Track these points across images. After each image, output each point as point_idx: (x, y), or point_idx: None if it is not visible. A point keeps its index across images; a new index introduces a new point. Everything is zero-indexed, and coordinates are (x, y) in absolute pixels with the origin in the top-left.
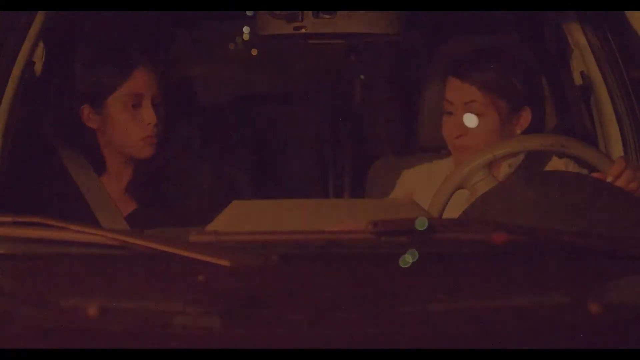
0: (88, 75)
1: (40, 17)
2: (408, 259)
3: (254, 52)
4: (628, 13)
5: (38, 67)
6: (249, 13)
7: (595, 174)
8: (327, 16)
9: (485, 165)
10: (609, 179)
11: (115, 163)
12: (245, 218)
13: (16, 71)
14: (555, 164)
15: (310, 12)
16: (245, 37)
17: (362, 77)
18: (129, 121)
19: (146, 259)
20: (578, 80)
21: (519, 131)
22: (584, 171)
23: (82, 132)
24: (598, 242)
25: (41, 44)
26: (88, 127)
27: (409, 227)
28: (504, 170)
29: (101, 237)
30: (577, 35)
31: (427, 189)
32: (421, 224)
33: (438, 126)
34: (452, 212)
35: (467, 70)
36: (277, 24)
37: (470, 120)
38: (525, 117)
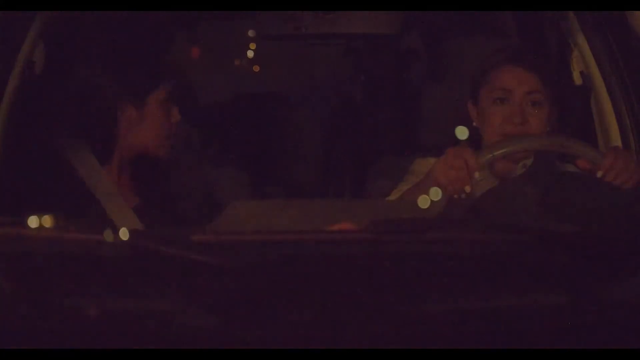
0: (131, 73)
1: (40, 17)
2: None
3: (256, 68)
4: (628, 13)
5: (38, 67)
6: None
7: (580, 162)
8: (327, 16)
9: (486, 164)
10: (600, 173)
11: (121, 160)
12: (245, 218)
13: (16, 71)
14: (563, 164)
15: (310, 12)
16: (250, 55)
17: (362, 77)
18: (161, 119)
19: (146, 259)
20: (578, 80)
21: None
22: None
23: (102, 128)
24: (598, 241)
25: (41, 44)
26: (112, 122)
27: (409, 227)
28: (519, 171)
29: (101, 237)
30: (577, 35)
31: None
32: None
33: (438, 126)
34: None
35: (531, 59)
36: (277, 24)
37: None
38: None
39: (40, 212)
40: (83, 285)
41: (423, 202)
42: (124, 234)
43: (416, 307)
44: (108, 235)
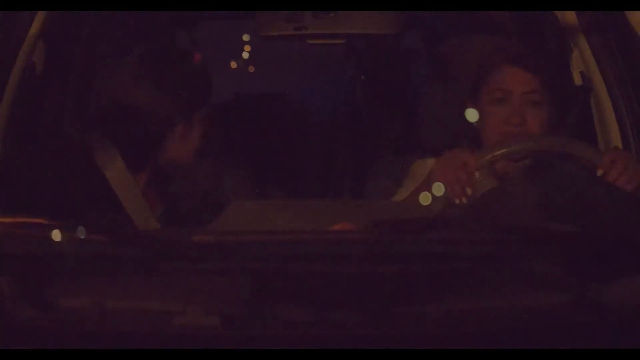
0: (184, 89)
1: (40, 17)
2: None
3: (251, 69)
4: (628, 13)
5: (38, 67)
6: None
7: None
8: (327, 16)
9: (485, 165)
10: (599, 172)
11: (154, 170)
12: (246, 218)
13: (16, 71)
14: (560, 163)
15: (310, 12)
16: (245, 55)
17: (362, 77)
18: (203, 132)
19: (146, 259)
20: (578, 80)
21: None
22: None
23: (134, 142)
24: (598, 241)
25: (41, 44)
26: (157, 134)
27: (409, 227)
28: (519, 171)
29: (101, 237)
30: (577, 35)
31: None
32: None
33: (438, 126)
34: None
35: (530, 60)
36: (277, 24)
37: (472, 114)
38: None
39: (28, 213)
40: (83, 285)
41: (424, 198)
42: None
43: (416, 307)
44: (56, 235)
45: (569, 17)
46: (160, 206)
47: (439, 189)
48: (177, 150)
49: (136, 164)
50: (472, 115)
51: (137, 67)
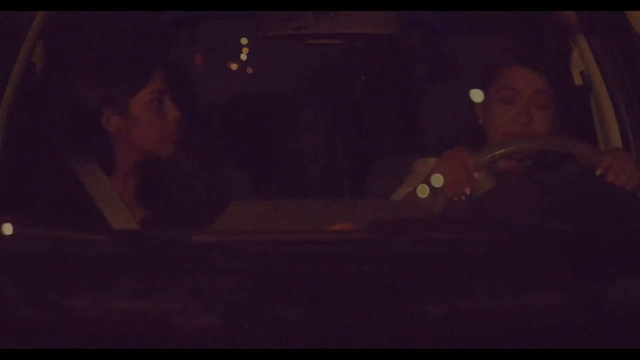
0: (108, 79)
1: (40, 17)
2: None
3: (250, 70)
4: (628, 13)
5: (38, 67)
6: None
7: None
8: (327, 16)
9: (485, 165)
10: (598, 172)
11: (125, 166)
12: (246, 218)
13: (16, 71)
14: (560, 163)
15: (310, 12)
16: (243, 57)
17: (362, 77)
18: (153, 119)
19: (146, 259)
20: (578, 80)
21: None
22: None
23: (93, 135)
24: (597, 241)
25: (41, 44)
26: (100, 129)
27: (409, 227)
28: (520, 171)
29: (101, 237)
30: (577, 35)
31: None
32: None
33: (438, 126)
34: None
35: (539, 61)
36: (277, 24)
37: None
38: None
39: (39, 214)
40: (83, 285)
41: (422, 190)
42: (127, 233)
43: (416, 307)
44: (7, 229)
45: (569, 17)
46: (143, 210)
47: (437, 180)
48: (129, 143)
49: (104, 162)
50: (477, 96)
51: (70, 55)
